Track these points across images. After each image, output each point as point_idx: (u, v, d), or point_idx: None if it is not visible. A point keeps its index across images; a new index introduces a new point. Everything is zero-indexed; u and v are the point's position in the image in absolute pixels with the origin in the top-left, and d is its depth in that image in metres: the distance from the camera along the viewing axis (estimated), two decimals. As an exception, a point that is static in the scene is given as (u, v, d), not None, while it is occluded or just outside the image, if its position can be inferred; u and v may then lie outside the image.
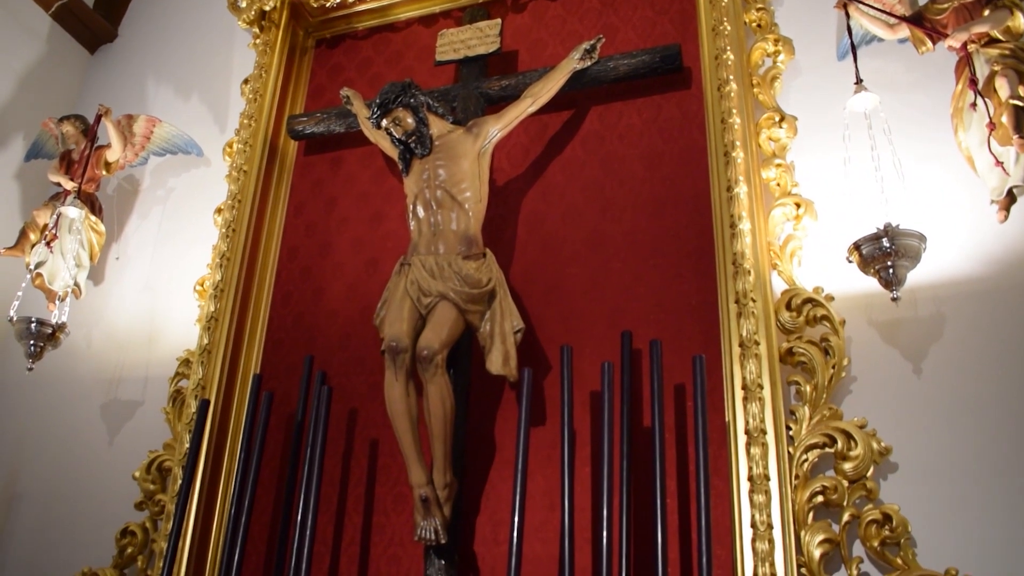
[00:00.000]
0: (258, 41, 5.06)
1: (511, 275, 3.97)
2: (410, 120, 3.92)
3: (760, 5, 4.18)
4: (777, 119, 3.91)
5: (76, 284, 4.72)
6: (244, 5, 5.09)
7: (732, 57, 3.95)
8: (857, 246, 3.31)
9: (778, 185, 3.82)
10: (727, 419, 3.46)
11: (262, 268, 4.59)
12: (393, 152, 4.12)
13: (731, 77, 3.91)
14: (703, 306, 3.74)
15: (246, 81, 5.06)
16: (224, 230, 4.52)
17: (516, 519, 3.21)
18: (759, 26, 4.15)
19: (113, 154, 4.98)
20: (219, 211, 4.75)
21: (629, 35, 4.40)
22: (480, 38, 4.44)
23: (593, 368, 3.67)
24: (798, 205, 3.74)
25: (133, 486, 4.26)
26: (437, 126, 4.01)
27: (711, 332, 3.66)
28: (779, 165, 3.84)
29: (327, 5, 5.04)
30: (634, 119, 4.24)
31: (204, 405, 3.93)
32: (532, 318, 3.91)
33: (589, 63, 4.14)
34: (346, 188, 4.68)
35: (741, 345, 3.45)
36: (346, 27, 5.11)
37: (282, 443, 4.12)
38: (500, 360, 3.59)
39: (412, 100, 3.93)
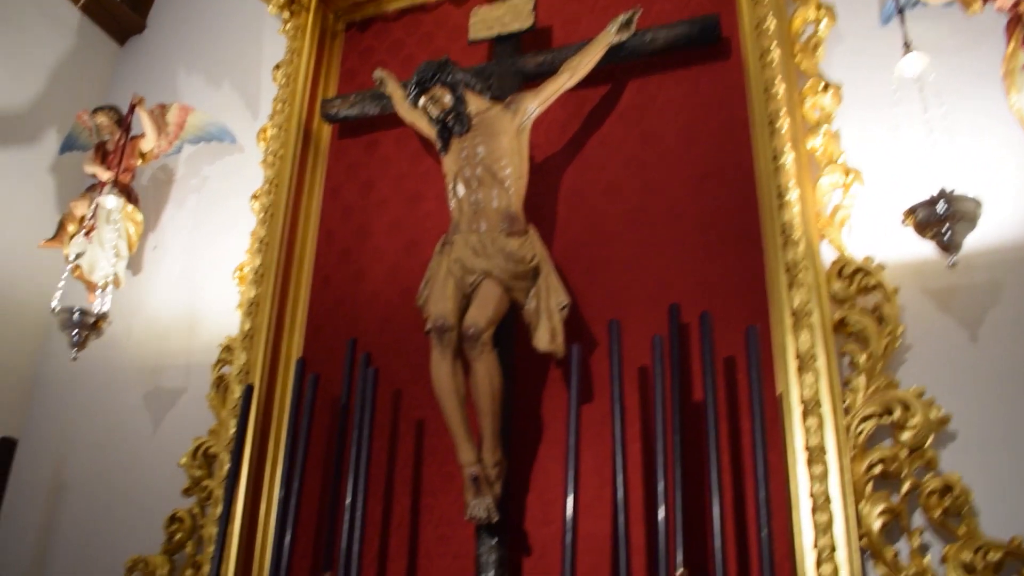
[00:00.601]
0: (288, 26, 5.00)
1: (553, 252, 3.88)
2: (448, 98, 3.86)
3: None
4: (821, 87, 3.81)
5: (116, 274, 4.69)
6: (273, -10, 5.05)
7: (773, 24, 3.87)
8: (912, 211, 3.22)
9: (824, 154, 3.72)
10: (780, 391, 3.39)
11: (300, 252, 4.54)
12: (430, 132, 4.06)
13: (773, 45, 3.82)
14: (750, 278, 3.66)
15: (277, 67, 5.00)
16: (261, 215, 4.48)
17: (570, 497, 3.18)
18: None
19: (147, 143, 4.95)
20: (255, 197, 4.70)
21: (665, 6, 4.29)
22: (514, 14, 4.36)
23: (640, 344, 3.61)
24: (846, 173, 3.64)
25: (179, 473, 4.23)
26: (475, 103, 3.94)
27: (760, 304, 3.58)
28: (825, 133, 3.74)
29: (357, -13, 4.98)
30: (673, 92, 4.16)
31: (248, 391, 3.90)
32: (576, 295, 3.82)
33: (626, 36, 4.05)
34: (382, 170, 4.62)
35: (793, 315, 3.37)
36: (376, 10, 5.04)
37: (327, 427, 4.07)
38: (547, 337, 3.53)
39: (449, 78, 3.86)
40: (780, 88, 3.73)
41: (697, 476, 3.36)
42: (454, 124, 3.87)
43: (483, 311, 3.50)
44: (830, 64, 3.91)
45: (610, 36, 4.03)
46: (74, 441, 4.78)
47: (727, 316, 3.56)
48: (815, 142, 3.74)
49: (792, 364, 3.33)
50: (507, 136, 3.83)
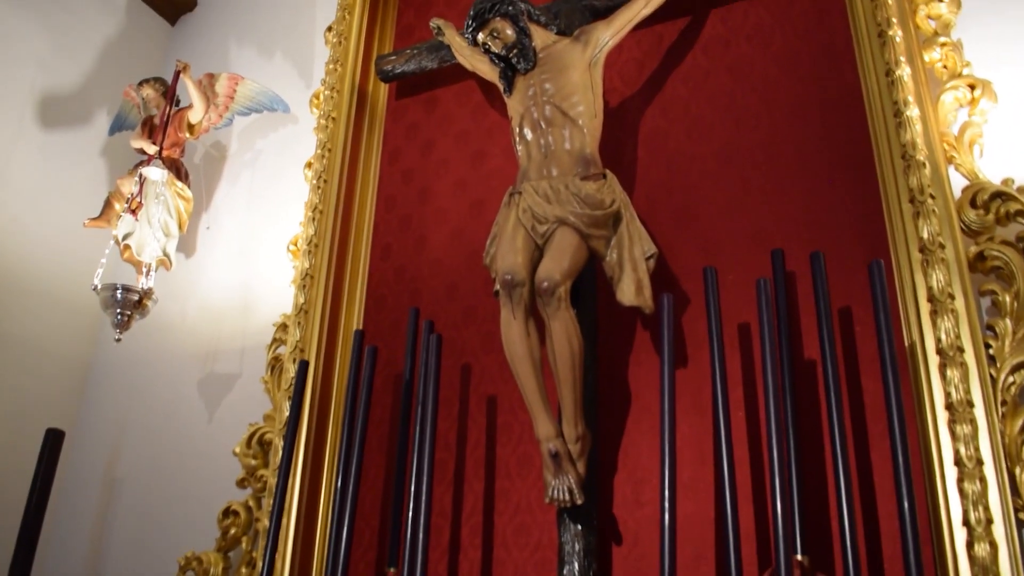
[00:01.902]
0: None
1: (635, 201, 3.33)
2: (509, 31, 3.37)
3: None
4: (933, -10, 3.23)
5: (165, 254, 4.31)
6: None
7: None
8: (1067, 116, 2.63)
9: (945, 67, 3.13)
10: (910, 340, 2.80)
11: (358, 221, 4.09)
12: (493, 74, 3.58)
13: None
14: (863, 214, 3.07)
15: (329, 28, 4.59)
16: (315, 181, 4.04)
17: (666, 474, 2.62)
18: None
19: (196, 114, 4.54)
20: (308, 165, 4.27)
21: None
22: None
23: (737, 298, 3.10)
24: (972, 87, 3.05)
25: (235, 463, 3.81)
26: (540, 37, 3.44)
27: (877, 242, 2.99)
28: (944, 44, 3.14)
29: (410, -61, 4.52)
30: (763, 17, 3.59)
31: (303, 367, 3.44)
32: (661, 246, 3.28)
33: (707, -46, 3.53)
34: (443, 128, 4.15)
35: (922, 251, 2.79)
36: None
37: (391, 407, 3.63)
38: (632, 289, 2.99)
39: (511, 8, 3.37)
40: (889, -9, 3.17)
41: (814, 445, 2.82)
42: (518, 60, 3.38)
43: (558, 262, 2.98)
44: (942, -32, 3.32)
45: (687, -44, 3.51)
46: (127, 432, 4.41)
47: (839, 260, 3.00)
48: (933, 55, 3.16)
49: (924, 307, 2.75)
50: (577, 70, 3.32)
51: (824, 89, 3.35)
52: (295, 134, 4.61)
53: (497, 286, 3.12)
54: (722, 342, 2.82)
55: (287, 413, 3.57)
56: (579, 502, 2.85)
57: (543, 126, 3.25)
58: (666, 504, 2.57)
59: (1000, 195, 2.85)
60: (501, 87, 3.48)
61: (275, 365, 3.89)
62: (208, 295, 4.47)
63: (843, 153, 3.21)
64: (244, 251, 4.47)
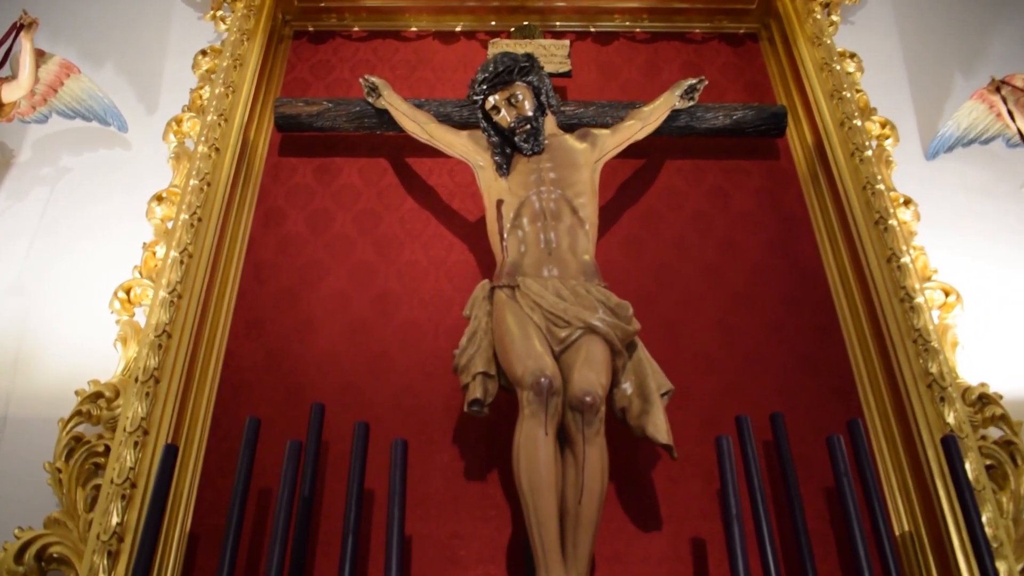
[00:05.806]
0: (239, 5, 3.62)
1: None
2: (528, 104, 2.78)
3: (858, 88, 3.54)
4: (902, 200, 3.20)
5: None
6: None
7: (859, 123, 3.26)
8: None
9: (918, 269, 3.05)
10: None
11: (222, 283, 3.01)
12: (470, 149, 2.90)
13: (868, 143, 3.21)
14: (834, 388, 2.87)
15: (204, 52, 3.55)
16: (188, 217, 2.89)
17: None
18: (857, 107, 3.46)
19: (17, 89, 3.12)
20: (159, 199, 3.09)
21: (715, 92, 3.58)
22: (545, 57, 3.39)
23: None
24: (947, 292, 2.98)
25: (-30, 589, 2.39)
26: (549, 123, 2.90)
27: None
28: (916, 247, 3.08)
29: (323, -11, 3.72)
30: (720, 180, 3.38)
31: (171, 452, 2.29)
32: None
33: (688, 104, 3.24)
34: (341, 202, 3.26)
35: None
36: (338, 24, 3.80)
37: (250, 535, 2.52)
38: (665, 426, 2.38)
39: (536, 79, 2.81)
40: (882, 185, 3.09)
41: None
42: (526, 140, 2.76)
43: (599, 374, 2.29)
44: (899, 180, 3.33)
45: (675, 98, 3.20)
46: None
47: (811, 425, 2.73)
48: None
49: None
50: (587, 170, 2.81)
51: (789, 263, 3.20)
52: (125, 160, 3.39)
53: (527, 385, 2.30)
54: (761, 500, 2.31)
55: (115, 518, 2.34)
56: None
57: (547, 218, 2.65)
58: None
59: (983, 398, 2.73)
60: (495, 164, 2.81)
61: (75, 449, 2.57)
62: (-51, 336, 2.97)
63: (810, 327, 3.03)
64: (22, 289, 3.06)
